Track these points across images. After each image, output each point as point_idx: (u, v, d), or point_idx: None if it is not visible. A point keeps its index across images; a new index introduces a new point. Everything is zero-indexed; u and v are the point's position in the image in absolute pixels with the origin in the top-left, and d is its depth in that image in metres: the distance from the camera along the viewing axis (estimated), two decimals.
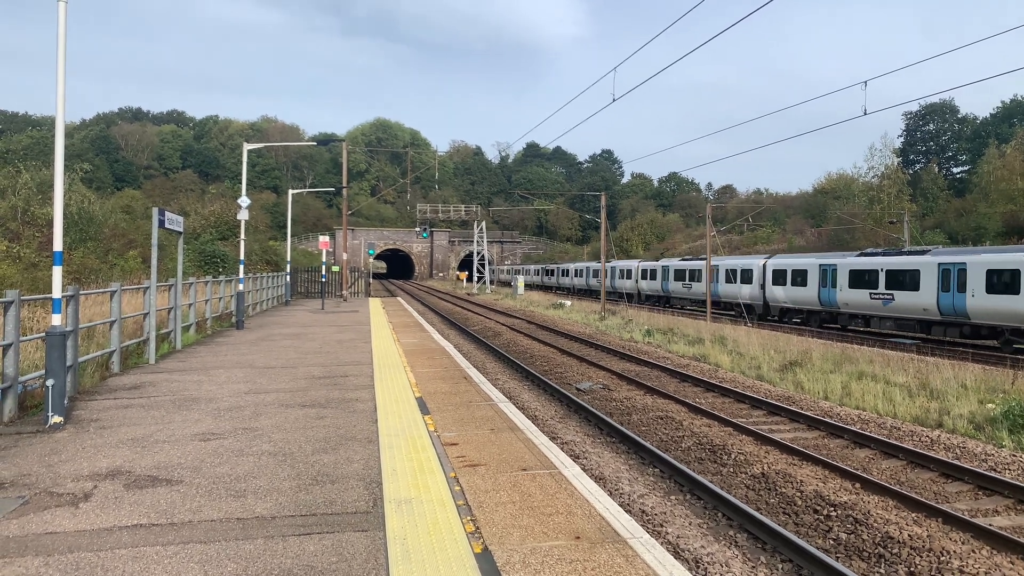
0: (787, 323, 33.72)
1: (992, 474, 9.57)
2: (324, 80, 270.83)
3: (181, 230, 15.93)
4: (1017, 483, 9.10)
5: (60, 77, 8.69)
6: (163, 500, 5.89)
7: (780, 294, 34.43)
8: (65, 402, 8.71)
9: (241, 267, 22.93)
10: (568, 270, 70.49)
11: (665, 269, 48.40)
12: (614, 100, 20.46)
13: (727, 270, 39.37)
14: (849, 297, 29.48)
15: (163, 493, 6.07)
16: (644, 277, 52.24)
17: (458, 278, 78.06)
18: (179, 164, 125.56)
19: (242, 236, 23.81)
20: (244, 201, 22.78)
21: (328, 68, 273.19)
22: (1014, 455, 10.61)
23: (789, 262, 34.22)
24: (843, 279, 29.69)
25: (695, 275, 43.54)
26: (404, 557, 4.79)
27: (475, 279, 72.22)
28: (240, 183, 23.75)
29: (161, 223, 14.28)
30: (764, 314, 36.39)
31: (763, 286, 36.14)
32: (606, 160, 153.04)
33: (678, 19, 16.12)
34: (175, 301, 16.21)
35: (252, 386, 11.27)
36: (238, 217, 23.43)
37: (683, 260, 47.74)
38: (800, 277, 32.85)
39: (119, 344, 12.69)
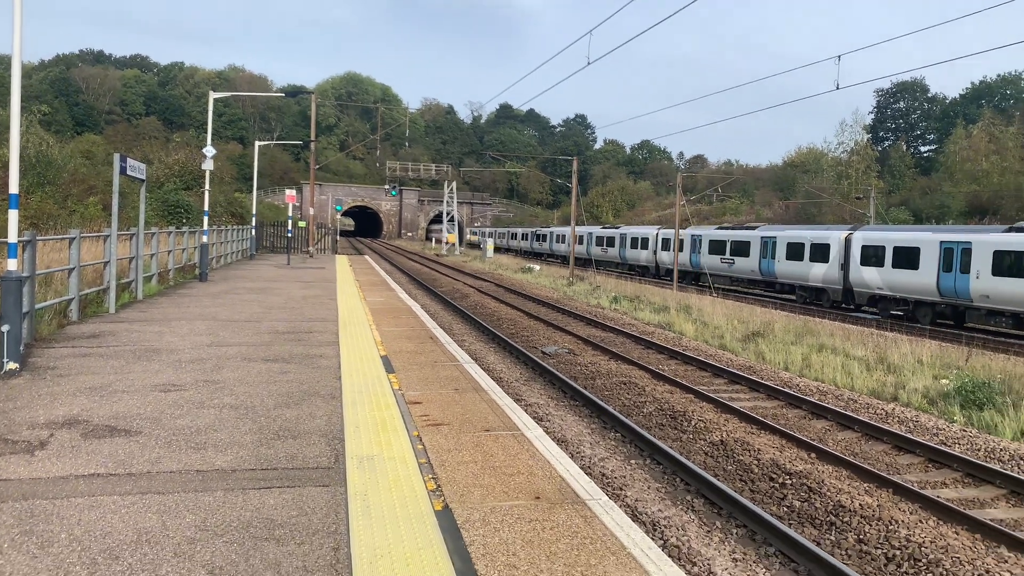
0: (876, 315, 27.27)
1: (943, 448, 9.85)
2: (294, 31, 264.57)
3: (144, 178, 15.55)
4: (966, 457, 9.38)
5: (17, 12, 8.34)
6: (121, 450, 5.81)
7: (872, 278, 27.16)
8: (21, 349, 8.52)
9: (205, 218, 22.52)
10: (565, 235, 60.35)
11: (696, 239, 40.00)
12: (589, 63, 20.32)
13: (789, 243, 32.26)
14: (992, 287, 22.19)
15: (121, 443, 5.98)
16: (666, 248, 43.51)
17: (448, 241, 70.39)
18: (142, 111, 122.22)
19: (207, 187, 23.33)
20: (209, 151, 22.29)
21: (299, 19, 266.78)
22: (964, 430, 10.93)
23: (891, 237, 27.16)
24: (982, 263, 22.51)
25: (741, 248, 35.75)
26: (364, 512, 4.79)
27: (444, 240, 71.61)
28: (206, 132, 23.22)
29: (123, 170, 13.91)
30: (844, 300, 29.20)
31: (844, 266, 28.81)
32: (579, 125, 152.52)
33: None
34: (137, 250, 15.88)
35: (215, 339, 11.13)
36: (203, 167, 22.94)
37: (720, 228, 40.51)
38: (908, 257, 25.53)
39: (78, 292, 12.42)
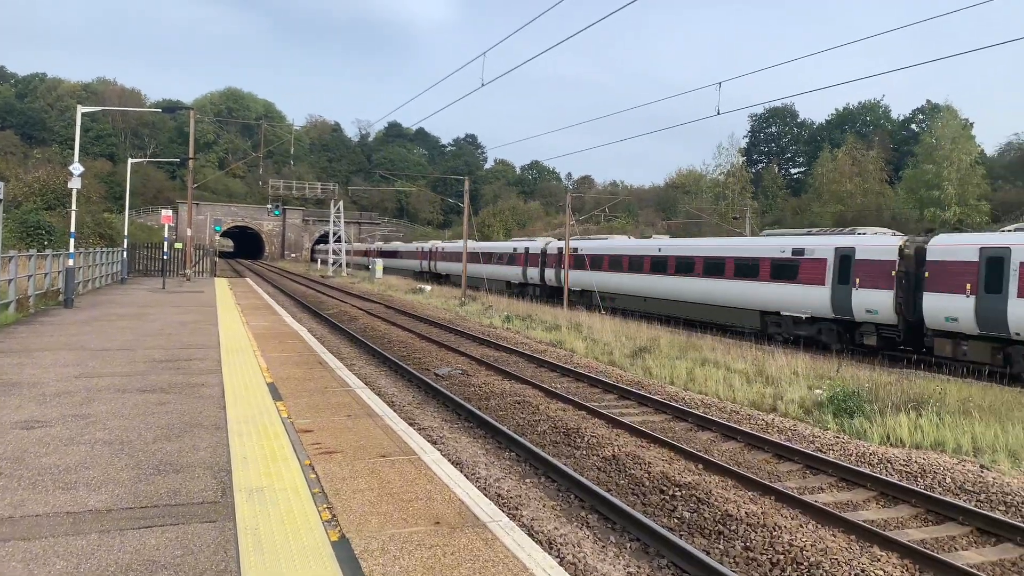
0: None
1: (818, 454, 10.40)
2: (170, 44, 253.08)
3: (0, 197, 14.43)
4: (839, 462, 9.95)
5: None
6: None
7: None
8: None
9: (71, 240, 21.10)
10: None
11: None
12: (483, 84, 20.48)
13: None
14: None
15: None
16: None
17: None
18: None
19: (73, 206, 21.90)
20: (76, 168, 20.96)
21: (175, 31, 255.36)
22: (837, 437, 11.59)
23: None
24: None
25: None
26: (256, 548, 4.56)
27: (330, 261, 69.94)
28: (71, 148, 21.83)
29: None
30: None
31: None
32: (470, 144, 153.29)
33: (546, 11, 16.33)
34: None
35: (83, 369, 10.39)
36: (69, 186, 21.54)
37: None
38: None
39: None
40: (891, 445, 11.20)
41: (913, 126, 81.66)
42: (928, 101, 79.86)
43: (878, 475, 9.50)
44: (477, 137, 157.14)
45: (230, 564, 4.33)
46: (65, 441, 6.73)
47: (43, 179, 43.66)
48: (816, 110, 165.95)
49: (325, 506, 5.34)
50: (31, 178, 45.01)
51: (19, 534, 4.64)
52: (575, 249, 35.60)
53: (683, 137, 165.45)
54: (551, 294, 38.81)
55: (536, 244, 42.40)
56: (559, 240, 41.44)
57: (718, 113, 18.95)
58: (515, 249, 43.95)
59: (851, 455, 10.62)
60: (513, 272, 43.73)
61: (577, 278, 34.98)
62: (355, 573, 4.28)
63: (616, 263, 32.46)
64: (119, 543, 4.56)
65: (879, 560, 7.08)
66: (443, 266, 56.72)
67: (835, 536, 7.63)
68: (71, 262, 20.25)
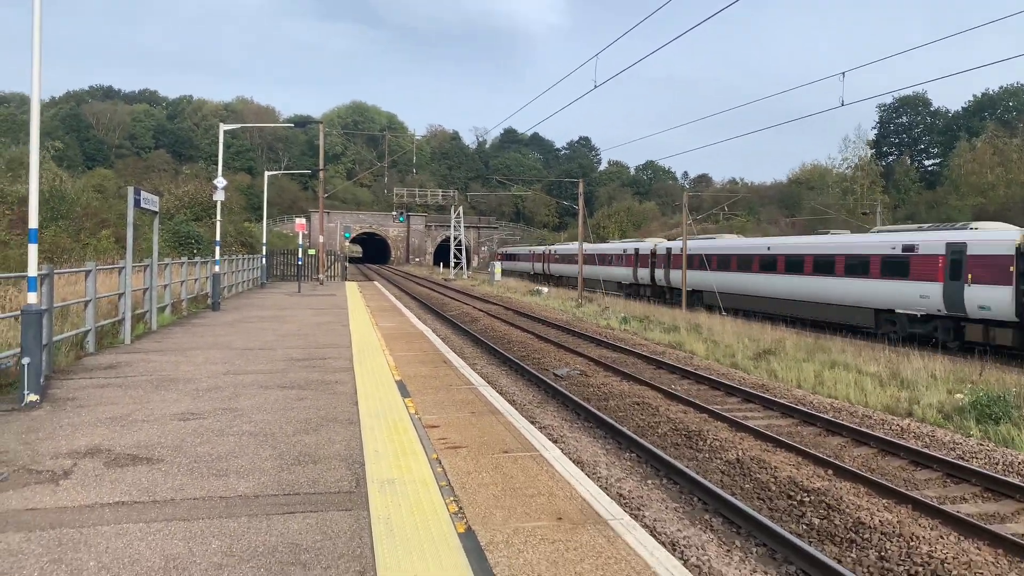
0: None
1: (960, 462, 9.81)
2: (300, 62, 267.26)
3: (156, 210, 15.74)
4: (984, 471, 9.34)
5: (36, 55, 8.54)
6: (144, 478, 5.87)
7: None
8: (41, 380, 8.61)
9: (217, 248, 22.70)
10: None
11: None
12: (596, 86, 20.49)
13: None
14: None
15: (144, 471, 6.04)
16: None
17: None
18: (152, 144, 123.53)
19: (218, 217, 23.55)
20: (220, 182, 22.52)
21: (304, 51, 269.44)
22: (981, 444, 10.87)
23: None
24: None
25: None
26: (388, 535, 4.83)
27: (452, 264, 71.65)
28: (215, 164, 23.49)
29: (137, 203, 14.09)
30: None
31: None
32: (583, 147, 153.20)
33: (657, 9, 16.16)
34: (151, 282, 16.02)
35: (230, 367, 11.20)
36: (214, 198, 23.18)
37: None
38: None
39: (94, 324, 12.54)
40: None
41: None
42: None
43: None
44: (591, 139, 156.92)
45: (364, 550, 4.60)
46: (216, 432, 7.31)
47: (192, 193, 47.17)
48: (951, 97, 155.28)
49: (452, 498, 5.57)
50: (181, 192, 48.71)
51: (180, 515, 5.11)
52: None
53: (806, 131, 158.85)
54: None
55: (987, 235, 20.47)
56: None
57: (842, 104, 17.98)
58: (896, 249, 22.47)
59: (997, 464, 9.94)
60: (899, 293, 22.41)
61: None
62: (481, 564, 4.44)
63: None
64: (266, 526, 4.94)
65: None
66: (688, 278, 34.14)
67: (979, 549, 7.19)
68: (217, 268, 21.79)
